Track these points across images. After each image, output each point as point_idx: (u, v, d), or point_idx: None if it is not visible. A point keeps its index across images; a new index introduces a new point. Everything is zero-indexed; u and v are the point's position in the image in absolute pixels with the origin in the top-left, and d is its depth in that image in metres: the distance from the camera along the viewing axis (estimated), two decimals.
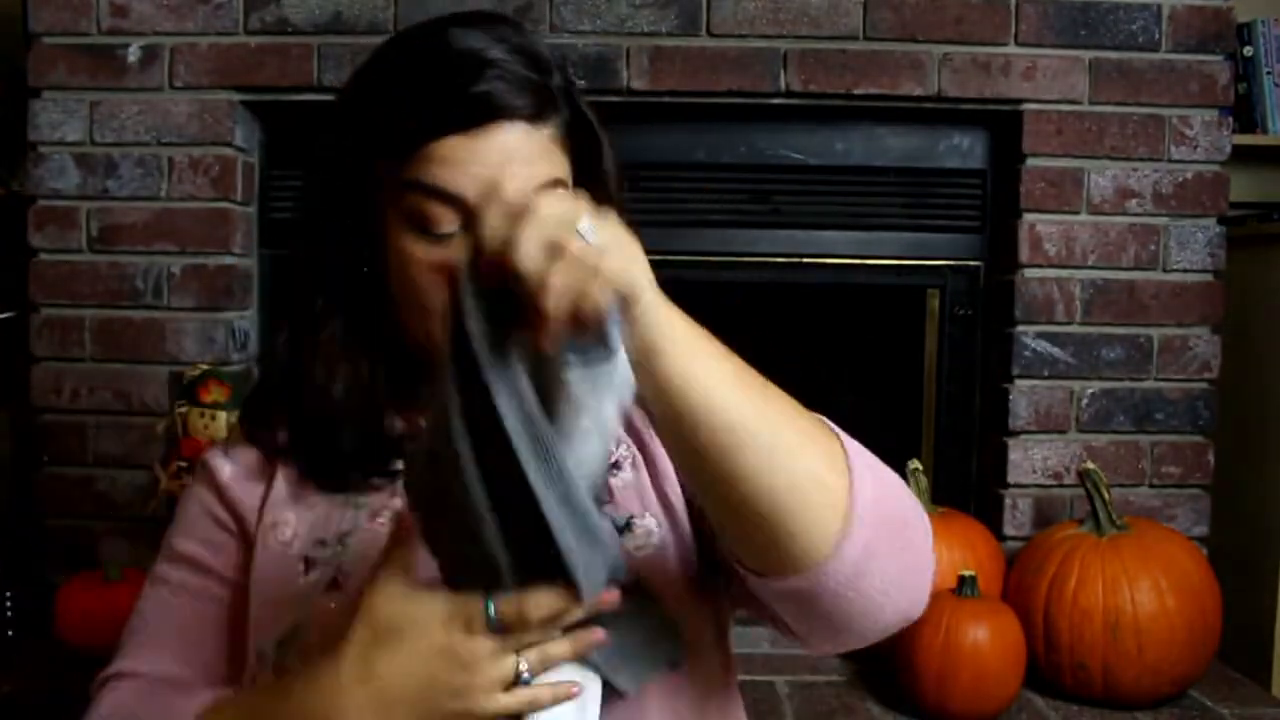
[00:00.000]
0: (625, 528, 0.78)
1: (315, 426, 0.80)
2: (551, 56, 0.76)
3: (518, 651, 0.63)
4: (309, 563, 0.79)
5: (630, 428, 0.84)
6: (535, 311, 0.55)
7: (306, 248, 0.82)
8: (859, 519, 0.61)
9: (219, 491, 0.84)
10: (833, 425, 0.68)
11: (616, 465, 0.82)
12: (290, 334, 0.82)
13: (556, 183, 0.74)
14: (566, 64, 0.78)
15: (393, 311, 0.78)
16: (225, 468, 0.85)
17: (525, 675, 0.63)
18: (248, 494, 0.84)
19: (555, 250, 0.54)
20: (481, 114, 0.72)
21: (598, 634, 0.64)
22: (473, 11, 0.78)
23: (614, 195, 0.80)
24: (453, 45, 0.73)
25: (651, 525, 0.79)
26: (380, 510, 0.81)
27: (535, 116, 0.74)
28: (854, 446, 0.66)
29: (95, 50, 1.80)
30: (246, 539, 0.83)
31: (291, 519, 0.81)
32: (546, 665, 0.64)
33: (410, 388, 0.81)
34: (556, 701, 0.64)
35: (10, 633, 1.79)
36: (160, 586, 0.85)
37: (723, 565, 0.75)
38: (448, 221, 0.73)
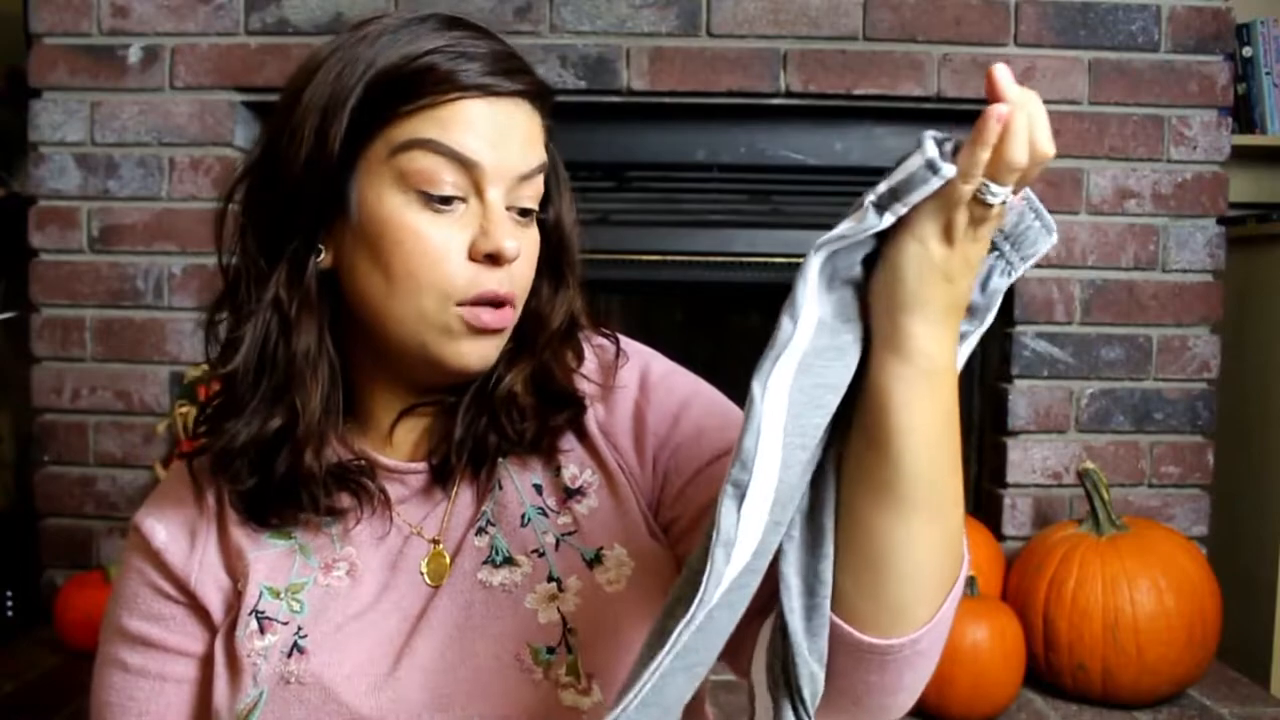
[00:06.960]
0: (595, 560, 0.74)
1: (237, 456, 0.71)
2: None
3: None
4: (262, 620, 0.73)
5: (592, 451, 0.77)
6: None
7: (252, 246, 0.71)
8: (954, 595, 0.63)
9: (155, 560, 0.75)
10: None
11: (580, 491, 0.76)
12: (251, 348, 0.71)
13: (543, 168, 0.73)
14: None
15: (357, 313, 0.71)
16: (158, 532, 0.76)
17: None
18: (188, 557, 0.75)
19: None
20: (506, 83, 0.69)
21: None
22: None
23: (566, 197, 0.78)
24: (453, 26, 0.69)
25: (623, 555, 0.74)
26: (334, 563, 0.75)
27: (539, 100, 0.72)
28: None
29: (96, 51, 1.80)
30: (198, 605, 0.75)
31: (249, 563, 0.75)
32: None
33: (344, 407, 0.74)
34: None
35: (10, 632, 1.79)
36: (118, 673, 0.76)
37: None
38: (452, 187, 0.68)
